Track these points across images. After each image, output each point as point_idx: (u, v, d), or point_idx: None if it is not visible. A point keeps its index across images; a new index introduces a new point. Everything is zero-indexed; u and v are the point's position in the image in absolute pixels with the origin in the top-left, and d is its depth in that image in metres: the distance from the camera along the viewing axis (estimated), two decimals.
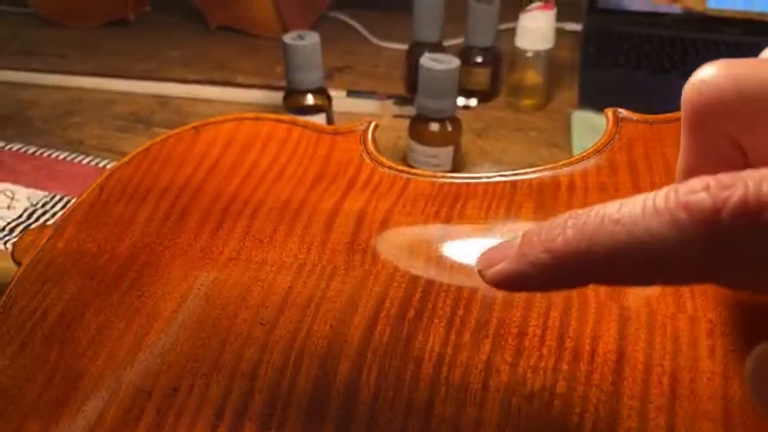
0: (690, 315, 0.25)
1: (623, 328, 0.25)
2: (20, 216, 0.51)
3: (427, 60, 0.50)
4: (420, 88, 0.51)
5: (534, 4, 0.62)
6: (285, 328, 0.28)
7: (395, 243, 0.30)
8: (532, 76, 0.65)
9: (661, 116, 0.34)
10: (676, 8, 0.80)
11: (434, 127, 0.53)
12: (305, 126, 0.38)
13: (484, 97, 0.67)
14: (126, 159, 0.37)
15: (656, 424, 0.22)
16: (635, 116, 0.34)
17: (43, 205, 0.52)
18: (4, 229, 0.49)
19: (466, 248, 0.29)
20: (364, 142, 0.36)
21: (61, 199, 0.53)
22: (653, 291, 0.26)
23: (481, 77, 0.66)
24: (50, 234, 0.35)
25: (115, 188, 0.36)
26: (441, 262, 0.29)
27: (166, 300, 0.30)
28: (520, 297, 0.27)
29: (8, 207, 0.52)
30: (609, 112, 0.35)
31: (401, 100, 0.66)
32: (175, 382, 0.27)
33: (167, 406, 0.26)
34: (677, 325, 0.24)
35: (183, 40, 0.85)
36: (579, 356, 0.24)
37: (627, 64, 0.74)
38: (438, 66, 0.50)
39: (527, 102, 0.67)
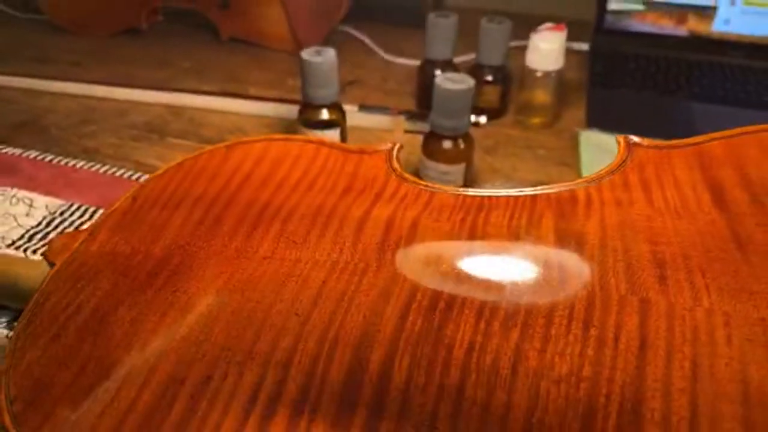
0: (706, 308, 0.26)
1: (644, 319, 0.26)
2: (39, 224, 0.52)
3: (442, 80, 0.51)
4: (434, 107, 0.52)
5: (545, 25, 0.63)
6: (319, 318, 0.29)
7: (424, 244, 0.32)
8: (541, 95, 0.66)
9: (671, 142, 0.36)
10: (681, 31, 0.82)
11: (447, 144, 0.54)
12: (332, 146, 0.40)
13: (494, 114, 0.69)
14: (159, 171, 0.39)
15: (679, 405, 0.23)
16: (645, 141, 0.36)
17: (61, 213, 0.53)
18: (23, 237, 0.50)
19: (494, 250, 0.31)
20: (390, 160, 0.38)
21: (78, 208, 0.53)
22: (671, 288, 0.27)
23: (491, 95, 0.68)
24: (84, 238, 0.36)
25: (149, 197, 0.37)
26: (470, 262, 0.30)
27: (201, 295, 0.31)
28: (546, 291, 0.28)
29: (27, 214, 0.53)
30: (620, 138, 0.37)
31: (413, 116, 0.67)
32: (209, 371, 0.28)
33: (201, 393, 0.27)
34: (695, 316, 0.26)
35: (195, 50, 0.87)
36: (603, 343, 0.26)
37: (633, 84, 0.75)
38: (453, 86, 0.51)
39: (535, 120, 0.68)
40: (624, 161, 0.35)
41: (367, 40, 0.88)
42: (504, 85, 0.68)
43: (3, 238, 0.50)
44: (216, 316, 0.30)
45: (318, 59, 0.55)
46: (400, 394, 0.26)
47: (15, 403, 0.28)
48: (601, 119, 0.68)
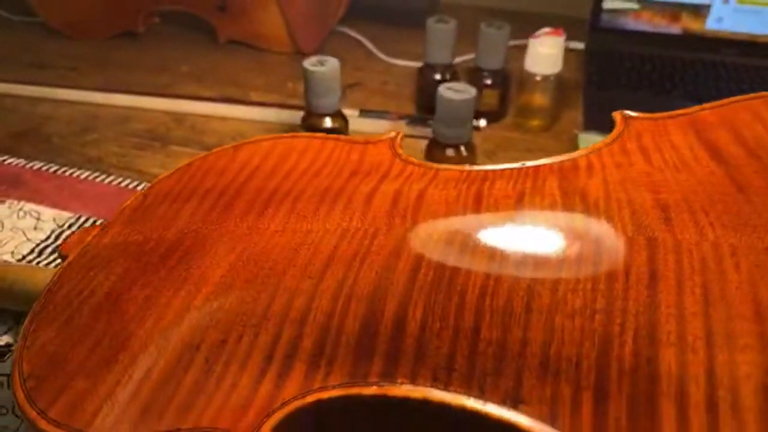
0: (712, 241, 0.27)
1: (653, 254, 0.27)
2: (48, 237, 0.52)
3: (444, 90, 0.52)
4: (437, 116, 0.53)
5: (543, 30, 0.64)
6: (332, 278, 0.30)
7: (432, 209, 0.33)
8: (540, 99, 0.67)
9: (664, 114, 0.38)
10: (675, 29, 0.82)
11: (450, 152, 0.55)
12: (338, 138, 0.41)
13: (493, 117, 0.69)
14: (168, 173, 0.40)
15: (694, 326, 0.24)
16: (641, 115, 0.38)
17: (70, 226, 0.53)
18: (33, 251, 0.51)
19: (501, 208, 0.32)
20: (393, 147, 0.40)
21: (86, 220, 0.54)
22: (676, 227, 0.29)
23: (490, 99, 0.68)
24: (96, 232, 0.37)
25: (159, 194, 0.38)
26: (478, 220, 0.32)
27: (215, 268, 0.32)
28: (553, 238, 0.30)
29: (35, 228, 0.53)
30: (617, 114, 0.39)
31: (413, 120, 0.68)
32: (224, 335, 0.29)
33: (216, 356, 0.28)
34: (702, 249, 0.27)
35: (193, 53, 0.87)
36: (614, 278, 0.27)
37: (629, 84, 0.76)
38: (455, 96, 0.51)
39: (534, 123, 0.69)
40: (621, 132, 0.37)
41: (365, 42, 0.88)
42: (503, 89, 0.69)
43: (13, 252, 0.50)
44: (230, 285, 0.31)
45: (321, 69, 0.55)
46: (415, 340, 0.26)
47: (28, 381, 0.28)
48: (598, 121, 0.69)
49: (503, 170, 0.35)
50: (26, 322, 0.32)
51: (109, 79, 0.79)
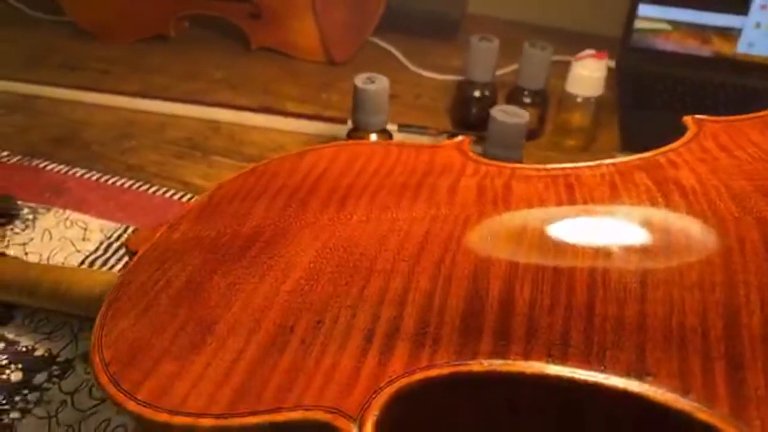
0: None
1: (765, 231, 0.27)
2: (97, 249, 0.52)
3: (498, 112, 0.52)
4: (490, 138, 0.54)
5: (586, 52, 0.64)
6: (428, 260, 0.29)
7: (524, 199, 0.32)
8: (579, 119, 0.67)
9: (735, 117, 0.38)
10: (706, 52, 0.83)
11: None
12: (402, 144, 0.41)
13: (531, 135, 0.70)
14: (232, 177, 0.39)
15: None
16: (711, 117, 0.38)
17: (118, 238, 0.53)
18: (83, 262, 0.51)
19: (597, 198, 0.32)
20: (462, 149, 0.39)
21: (134, 231, 0.54)
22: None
23: (530, 117, 0.69)
24: (164, 230, 0.36)
25: (225, 196, 0.38)
26: (576, 210, 0.31)
27: (302, 255, 0.31)
28: (656, 224, 0.30)
29: (83, 239, 0.53)
30: (688, 118, 0.39)
31: (453, 136, 0.68)
32: (319, 316, 0.28)
33: (312, 337, 0.27)
34: None
35: (224, 59, 0.86)
36: (729, 251, 0.27)
37: (662, 105, 0.77)
38: (509, 119, 0.52)
39: (572, 143, 0.69)
40: (696, 134, 0.37)
41: (396, 53, 0.88)
42: (542, 108, 0.69)
43: (63, 264, 0.50)
44: (320, 270, 0.30)
45: (372, 87, 0.56)
46: (525, 317, 0.26)
47: (111, 365, 0.28)
48: (636, 142, 0.69)
49: (582, 167, 0.35)
50: (102, 309, 0.32)
51: (143, 84, 0.79)
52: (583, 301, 0.26)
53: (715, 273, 0.26)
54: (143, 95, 0.74)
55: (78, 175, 0.61)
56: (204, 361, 0.27)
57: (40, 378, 0.41)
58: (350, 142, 0.42)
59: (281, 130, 0.71)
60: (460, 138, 0.40)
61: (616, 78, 0.82)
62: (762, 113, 0.38)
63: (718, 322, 0.24)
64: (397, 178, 0.36)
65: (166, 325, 0.30)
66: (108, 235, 0.53)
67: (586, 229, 0.30)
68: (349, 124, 0.63)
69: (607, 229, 0.30)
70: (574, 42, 0.74)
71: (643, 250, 0.28)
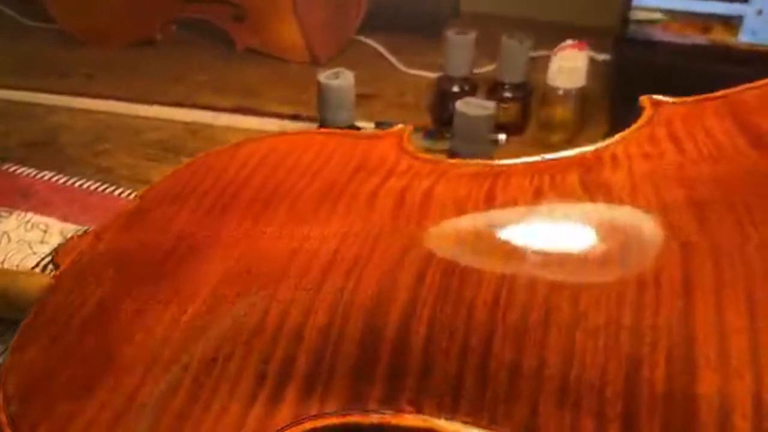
0: (757, 243, 0.24)
1: (687, 261, 0.24)
2: (53, 251, 0.51)
3: (462, 105, 0.50)
4: (455, 132, 0.51)
5: (566, 43, 0.62)
6: (330, 288, 0.27)
7: (439, 209, 0.30)
8: (562, 113, 0.65)
9: (697, 96, 0.35)
10: (705, 41, 0.79)
11: None
12: (343, 133, 0.40)
13: (514, 130, 0.67)
14: (167, 175, 0.39)
15: (738, 346, 0.21)
16: (672, 99, 0.35)
17: None
18: (38, 265, 0.50)
19: (515, 208, 0.30)
20: (400, 142, 0.37)
21: None
22: (714, 228, 0.25)
23: (511, 112, 0.66)
24: (90, 239, 0.35)
25: (156, 197, 0.37)
26: (489, 220, 0.29)
27: (208, 277, 0.30)
28: (573, 241, 0.27)
29: (41, 241, 0.52)
30: (644, 99, 0.36)
31: (430, 134, 0.66)
32: (214, 353, 0.27)
33: (205, 376, 0.26)
34: (745, 251, 0.24)
35: (210, 62, 0.86)
36: (642, 288, 0.24)
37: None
38: (474, 112, 0.50)
39: (556, 137, 0.66)
40: (650, 119, 0.34)
41: (383, 51, 0.86)
42: (524, 102, 0.66)
43: (18, 266, 0.50)
44: (222, 297, 0.29)
45: (335, 82, 0.54)
46: (419, 359, 0.24)
47: (12, 403, 0.27)
48: None
49: (519, 164, 0.33)
50: (15, 338, 0.31)
51: (125, 88, 0.79)
52: (481, 339, 0.24)
53: (623, 314, 0.23)
54: (121, 98, 0.74)
55: (46, 178, 0.60)
56: (97, 404, 0.26)
57: None
58: (290, 132, 0.41)
59: (260, 130, 0.70)
60: (400, 126, 0.38)
61: (610, 70, 0.79)
62: (728, 91, 0.35)
63: (619, 375, 0.22)
64: (325, 178, 0.35)
65: (72, 355, 0.28)
66: (67, 237, 0.53)
67: (492, 250, 0.27)
68: None
69: (513, 250, 0.27)
70: (570, 36, 0.71)
71: (551, 283, 0.25)
